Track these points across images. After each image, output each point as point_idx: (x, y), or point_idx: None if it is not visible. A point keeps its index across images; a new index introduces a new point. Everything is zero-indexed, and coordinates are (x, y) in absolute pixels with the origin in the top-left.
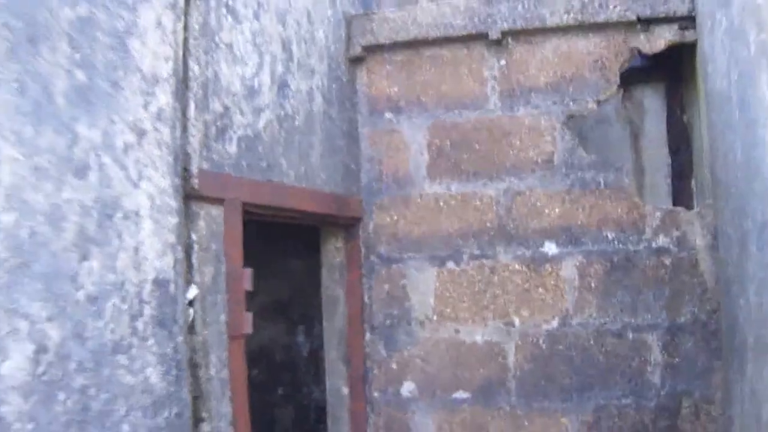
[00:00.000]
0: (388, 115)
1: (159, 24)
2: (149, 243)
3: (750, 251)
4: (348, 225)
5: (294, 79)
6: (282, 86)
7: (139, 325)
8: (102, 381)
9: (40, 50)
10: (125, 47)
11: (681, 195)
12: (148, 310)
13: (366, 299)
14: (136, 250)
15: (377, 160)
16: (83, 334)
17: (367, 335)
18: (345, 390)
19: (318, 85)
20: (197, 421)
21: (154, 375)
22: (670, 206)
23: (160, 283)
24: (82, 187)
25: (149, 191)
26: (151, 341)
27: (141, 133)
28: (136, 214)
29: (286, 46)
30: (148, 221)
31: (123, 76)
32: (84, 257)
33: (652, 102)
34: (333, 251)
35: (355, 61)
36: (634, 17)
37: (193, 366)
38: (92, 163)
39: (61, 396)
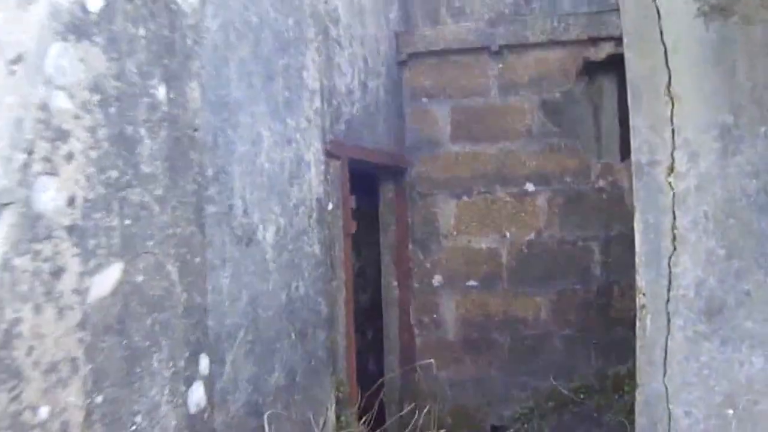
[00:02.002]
0: (423, 99)
1: (313, 60)
2: (314, 178)
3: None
4: (397, 173)
5: (369, 81)
6: (363, 86)
7: (312, 221)
8: (297, 248)
9: (273, 81)
10: (301, 76)
11: (626, 153)
12: (314, 214)
13: (409, 221)
14: (310, 182)
15: (417, 130)
16: (292, 223)
17: (410, 245)
18: (394, 283)
19: (381, 82)
20: (331, 279)
21: (316, 248)
22: (610, 161)
23: (319, 200)
24: (289, 149)
25: (313, 151)
26: (316, 230)
27: (309, 121)
28: (309, 163)
29: (365, 60)
30: (313, 167)
31: (301, 91)
32: (290, 184)
33: (608, 86)
34: (388, 190)
35: (402, 64)
36: (586, 37)
37: (330, 247)
38: (292, 138)
39: (285, 254)
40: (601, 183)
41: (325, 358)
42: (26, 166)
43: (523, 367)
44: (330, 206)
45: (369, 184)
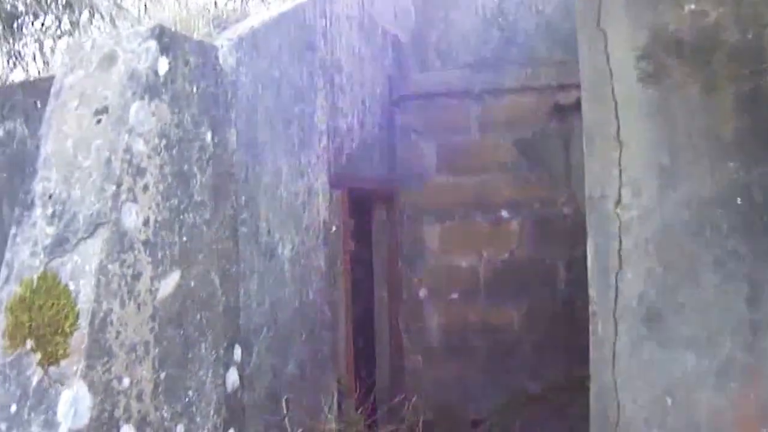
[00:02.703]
0: (413, 136)
1: (321, 105)
2: (321, 205)
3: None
4: (389, 199)
5: (366, 119)
6: (361, 124)
7: (319, 241)
8: (308, 262)
9: (291, 124)
10: (313, 119)
11: None
12: (321, 234)
13: (398, 241)
14: (318, 207)
15: (407, 162)
16: (303, 242)
17: (399, 262)
18: (385, 294)
19: (377, 120)
20: (333, 289)
21: (322, 263)
22: (577, 191)
23: (324, 223)
24: (302, 181)
25: (320, 182)
26: (322, 248)
27: (318, 157)
28: (317, 192)
29: (363, 101)
30: (320, 195)
31: (312, 132)
32: (303, 210)
33: (578, 125)
34: (380, 214)
35: (394, 104)
36: (556, 84)
37: (333, 262)
38: (305, 171)
39: (298, 267)
40: (566, 210)
41: (329, 355)
42: (116, 195)
43: (499, 368)
44: (333, 228)
45: (365, 207)
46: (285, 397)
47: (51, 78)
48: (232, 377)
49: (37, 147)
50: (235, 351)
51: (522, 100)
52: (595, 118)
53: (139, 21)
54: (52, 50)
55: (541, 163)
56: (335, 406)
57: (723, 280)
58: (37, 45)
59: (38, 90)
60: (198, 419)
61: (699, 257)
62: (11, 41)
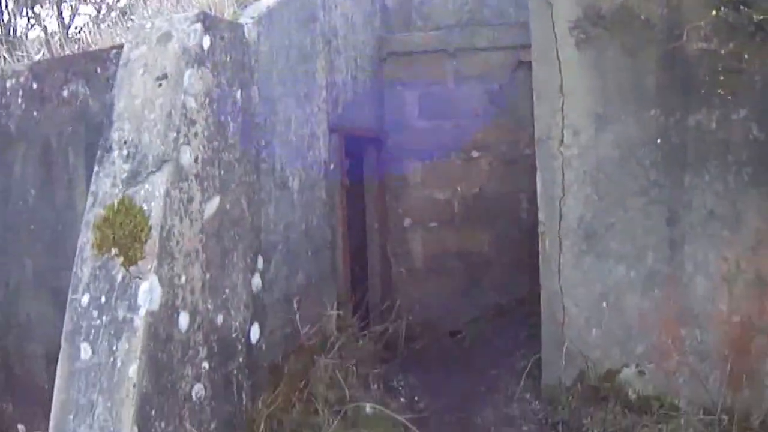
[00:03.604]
0: (398, 87)
1: (321, 66)
2: (322, 147)
3: None
4: (377, 141)
5: (358, 75)
6: (354, 79)
7: (320, 176)
8: (312, 193)
9: (298, 82)
10: (315, 77)
11: None
12: (322, 171)
13: (385, 177)
14: (319, 149)
15: (393, 110)
16: (308, 177)
17: (387, 195)
18: (376, 225)
19: (367, 75)
20: (332, 216)
21: (323, 194)
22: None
23: (325, 162)
24: (306, 127)
25: (321, 129)
26: (323, 182)
27: (319, 108)
28: (318, 137)
29: (355, 60)
30: (321, 139)
31: (314, 88)
32: (307, 150)
33: None
34: (371, 155)
35: (382, 61)
36: (519, 44)
37: (332, 194)
38: (308, 120)
39: (304, 197)
40: (527, 151)
41: (329, 270)
42: (175, 140)
43: (472, 286)
44: (332, 166)
45: (358, 149)
46: (296, 299)
47: (107, 49)
48: (257, 281)
49: (99, 105)
50: (258, 261)
51: (491, 56)
52: (543, 75)
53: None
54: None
55: (506, 111)
56: (335, 311)
57: (646, 205)
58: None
59: (96, 58)
60: (232, 312)
61: (627, 187)
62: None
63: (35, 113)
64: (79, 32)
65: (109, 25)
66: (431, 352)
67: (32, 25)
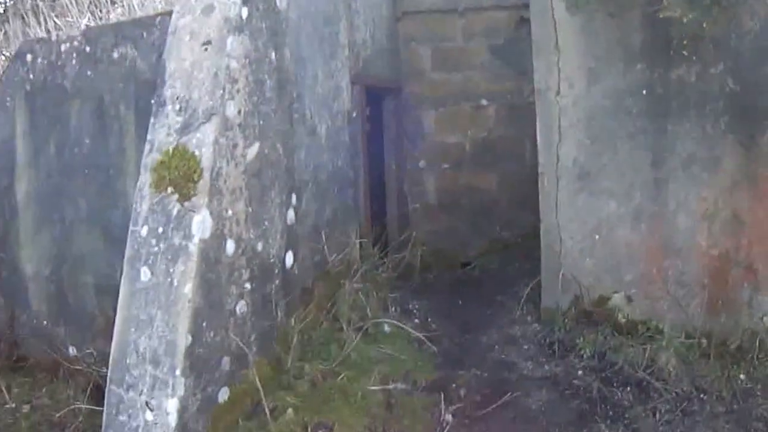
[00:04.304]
0: (413, 43)
1: (343, 26)
2: (345, 97)
3: None
4: (396, 91)
5: (376, 33)
6: (372, 37)
7: (344, 122)
8: (337, 138)
9: (323, 42)
10: (338, 38)
11: None
12: (346, 118)
13: (404, 125)
14: (343, 99)
15: (408, 64)
16: (334, 124)
17: (404, 141)
18: (394, 166)
19: (384, 33)
20: (355, 158)
21: (347, 138)
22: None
23: (348, 111)
24: (332, 81)
25: (345, 82)
26: (347, 128)
27: (342, 64)
28: (342, 89)
29: (373, 20)
30: (345, 91)
31: (337, 47)
32: (333, 101)
33: None
34: (389, 104)
35: (398, 20)
36: (521, 2)
37: (354, 138)
38: (333, 74)
39: (331, 141)
40: (531, 99)
41: (352, 206)
42: (222, 96)
43: (482, 221)
44: (354, 114)
45: (377, 99)
46: (324, 231)
47: (153, 16)
48: (290, 215)
49: (146, 65)
50: (292, 197)
51: (496, 15)
52: (541, 34)
53: None
54: None
55: (510, 63)
56: (358, 242)
57: (633, 148)
58: None
59: (143, 24)
60: (270, 241)
61: (616, 132)
62: None
63: (89, 72)
64: None
65: None
66: (443, 280)
67: None
